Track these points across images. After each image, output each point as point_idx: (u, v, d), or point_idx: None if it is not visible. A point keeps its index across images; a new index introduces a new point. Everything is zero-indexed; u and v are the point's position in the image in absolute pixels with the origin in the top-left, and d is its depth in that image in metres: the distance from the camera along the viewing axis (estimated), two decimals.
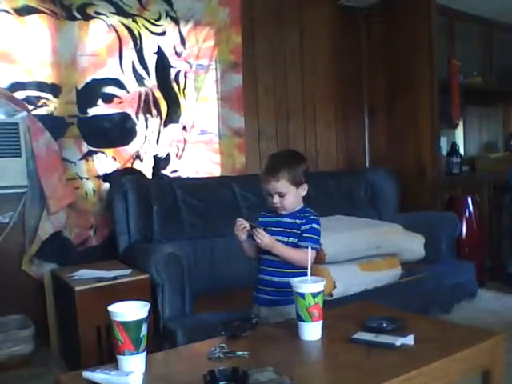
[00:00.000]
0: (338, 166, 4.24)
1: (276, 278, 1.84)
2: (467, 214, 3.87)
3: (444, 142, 4.38)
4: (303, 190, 1.86)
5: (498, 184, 4.21)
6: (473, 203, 3.92)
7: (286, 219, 1.86)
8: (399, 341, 1.46)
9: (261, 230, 1.76)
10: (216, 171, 3.56)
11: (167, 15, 3.33)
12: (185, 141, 3.42)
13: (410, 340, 1.48)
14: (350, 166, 4.31)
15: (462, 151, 4.57)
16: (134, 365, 1.34)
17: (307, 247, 1.74)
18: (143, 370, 1.35)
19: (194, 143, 3.46)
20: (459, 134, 4.80)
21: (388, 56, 4.19)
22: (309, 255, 1.71)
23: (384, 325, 1.57)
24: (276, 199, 1.82)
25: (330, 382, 1.34)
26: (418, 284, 3.07)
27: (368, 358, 1.41)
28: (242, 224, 1.78)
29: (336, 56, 4.22)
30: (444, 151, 4.35)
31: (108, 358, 2.09)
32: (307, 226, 1.82)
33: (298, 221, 1.84)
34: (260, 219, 1.90)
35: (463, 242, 3.79)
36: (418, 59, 3.96)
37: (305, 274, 1.75)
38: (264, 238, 1.75)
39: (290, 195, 1.82)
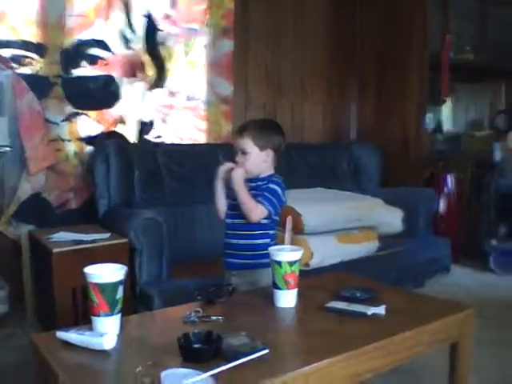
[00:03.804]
0: (324, 139, 4.23)
1: (241, 241, 1.89)
2: (446, 191, 3.92)
3: (430, 119, 4.39)
4: (267, 155, 1.89)
5: (481, 162, 4.25)
6: (453, 180, 3.95)
7: (250, 184, 1.89)
8: (371, 310, 1.49)
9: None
10: (201, 138, 3.53)
11: None
12: (170, 106, 3.38)
13: (381, 310, 1.50)
14: (336, 139, 4.30)
15: (448, 128, 4.58)
16: (108, 326, 1.34)
17: (261, 202, 1.81)
18: (117, 332, 1.36)
19: (179, 109, 3.42)
20: (446, 111, 4.81)
21: (381, 30, 4.15)
22: (287, 224, 1.73)
23: (357, 294, 1.60)
24: (239, 158, 1.88)
25: (302, 347, 1.37)
26: (394, 257, 3.12)
27: (340, 325, 1.44)
28: (228, 164, 1.88)
29: (329, 28, 4.16)
30: (430, 128, 4.36)
31: (83, 320, 2.09)
32: (264, 186, 1.87)
33: (259, 182, 1.89)
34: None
35: (441, 218, 3.84)
36: (412, 34, 3.92)
37: (270, 237, 1.85)
38: (238, 170, 1.83)
39: (251, 156, 1.86)
